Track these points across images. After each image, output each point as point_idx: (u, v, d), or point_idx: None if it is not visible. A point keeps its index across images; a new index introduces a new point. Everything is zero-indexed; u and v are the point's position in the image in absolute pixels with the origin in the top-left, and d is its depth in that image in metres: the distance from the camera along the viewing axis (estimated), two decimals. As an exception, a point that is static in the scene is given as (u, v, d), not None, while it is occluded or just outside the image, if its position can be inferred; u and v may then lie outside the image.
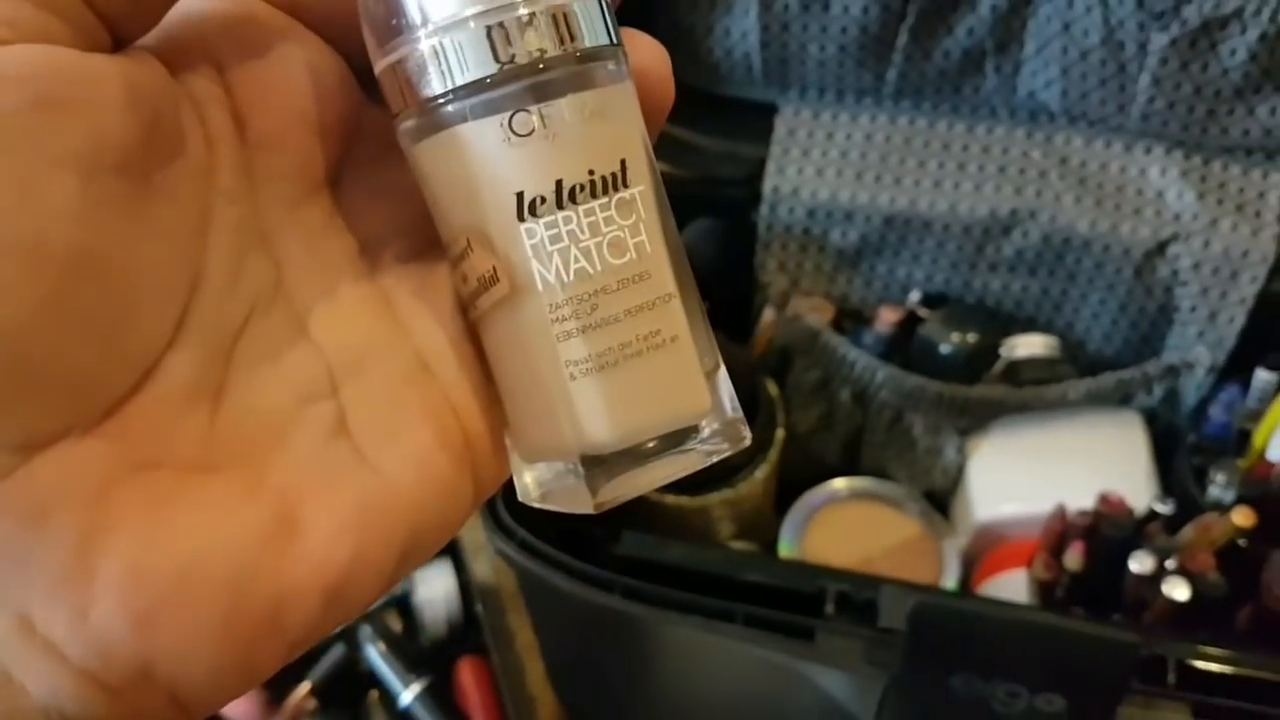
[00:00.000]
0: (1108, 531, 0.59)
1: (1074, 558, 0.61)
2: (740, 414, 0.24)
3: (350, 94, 0.23)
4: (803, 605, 0.55)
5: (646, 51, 0.23)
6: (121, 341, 0.19)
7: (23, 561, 0.18)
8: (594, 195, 0.21)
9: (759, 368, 0.74)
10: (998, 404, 0.73)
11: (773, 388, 0.76)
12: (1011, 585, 0.69)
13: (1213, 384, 0.70)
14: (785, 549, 0.75)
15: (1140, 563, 0.57)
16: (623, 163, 0.22)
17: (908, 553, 0.76)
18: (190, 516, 0.19)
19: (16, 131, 0.17)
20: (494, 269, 0.22)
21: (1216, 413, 0.68)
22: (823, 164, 0.72)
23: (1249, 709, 0.49)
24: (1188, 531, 0.62)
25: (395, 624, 0.77)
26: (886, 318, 0.76)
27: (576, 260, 0.21)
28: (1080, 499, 0.66)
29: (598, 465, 0.22)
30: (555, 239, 0.21)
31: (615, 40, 0.22)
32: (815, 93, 0.72)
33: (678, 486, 0.72)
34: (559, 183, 0.21)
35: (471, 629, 0.78)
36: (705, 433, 0.23)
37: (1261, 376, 0.68)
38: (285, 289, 0.22)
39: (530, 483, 0.23)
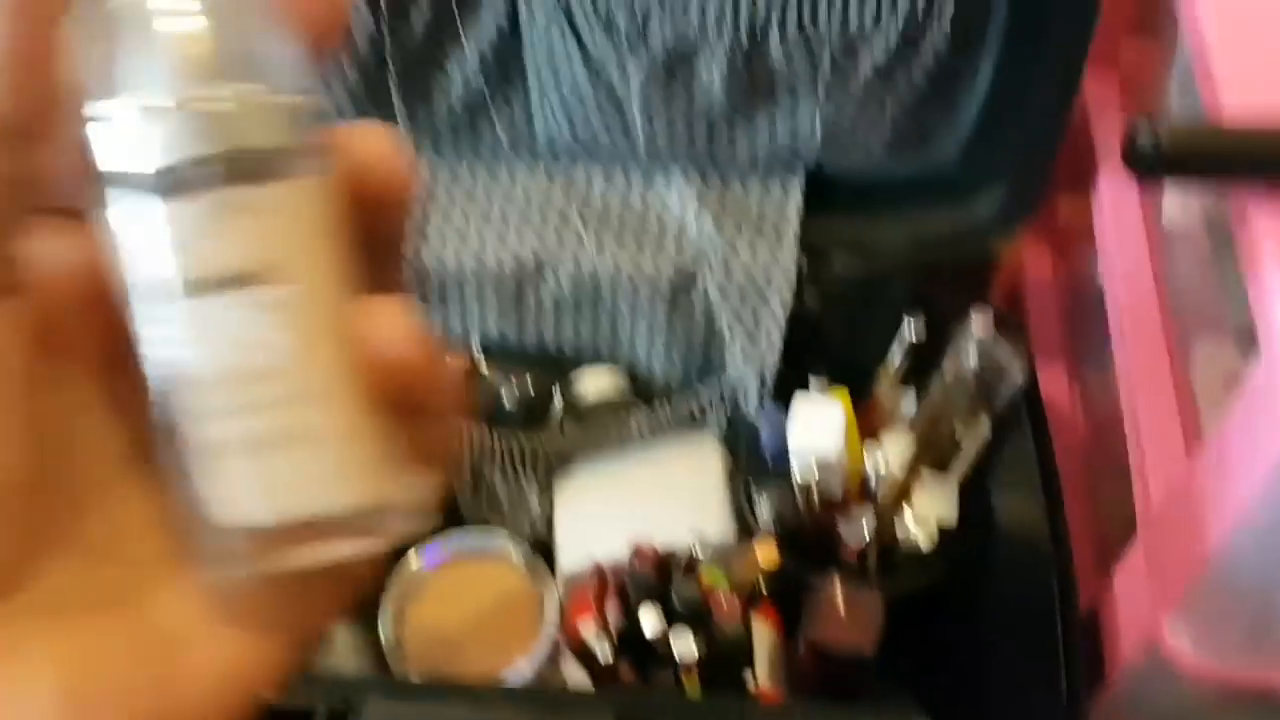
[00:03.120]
0: (633, 584, 0.57)
1: (615, 615, 0.59)
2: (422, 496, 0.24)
3: None
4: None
5: (368, 145, 0.23)
6: None
7: None
8: (226, 290, 0.22)
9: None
10: (569, 447, 0.70)
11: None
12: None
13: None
14: (381, 630, 0.72)
15: (649, 620, 0.55)
16: (268, 261, 0.22)
17: (511, 609, 0.74)
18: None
19: None
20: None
21: (767, 435, 0.67)
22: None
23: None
24: (734, 569, 0.61)
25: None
26: (449, 372, 0.72)
27: (207, 352, 0.22)
28: (665, 535, 0.64)
29: (256, 541, 0.22)
30: (186, 330, 0.22)
31: (295, 140, 0.22)
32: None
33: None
34: (191, 277, 0.21)
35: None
36: (386, 515, 0.23)
37: (814, 391, 0.67)
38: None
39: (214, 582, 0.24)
